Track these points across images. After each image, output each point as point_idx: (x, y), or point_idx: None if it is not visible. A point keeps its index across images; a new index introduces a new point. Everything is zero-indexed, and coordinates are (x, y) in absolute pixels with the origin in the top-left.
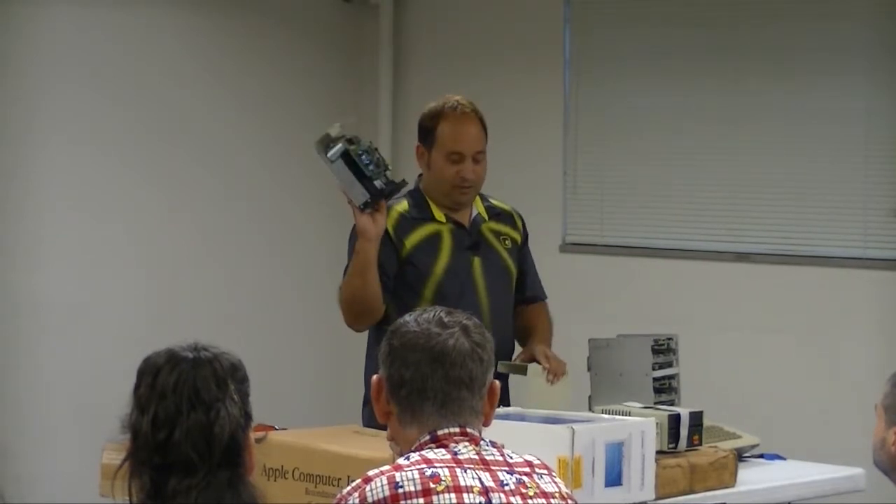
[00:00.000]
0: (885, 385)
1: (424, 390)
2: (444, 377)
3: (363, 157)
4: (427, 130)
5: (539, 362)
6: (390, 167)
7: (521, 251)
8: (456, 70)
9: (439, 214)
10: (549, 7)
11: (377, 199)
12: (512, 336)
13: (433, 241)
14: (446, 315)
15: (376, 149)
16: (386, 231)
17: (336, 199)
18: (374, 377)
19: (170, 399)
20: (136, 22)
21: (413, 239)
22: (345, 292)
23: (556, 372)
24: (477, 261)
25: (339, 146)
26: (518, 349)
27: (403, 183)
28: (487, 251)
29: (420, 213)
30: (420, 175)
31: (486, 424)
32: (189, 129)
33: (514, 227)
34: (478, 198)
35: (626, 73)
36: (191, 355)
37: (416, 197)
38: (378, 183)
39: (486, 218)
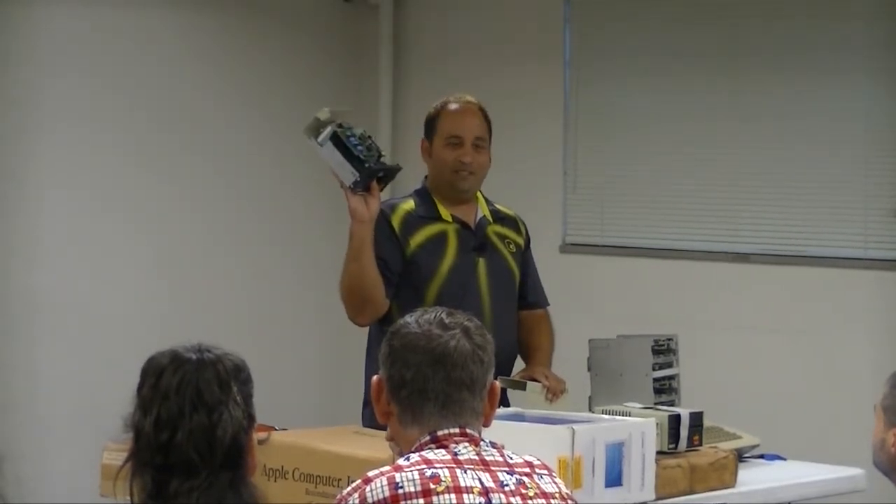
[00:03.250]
0: (885, 386)
1: (425, 391)
2: (445, 378)
3: (352, 138)
4: (430, 122)
5: (538, 381)
6: (385, 154)
7: (524, 256)
8: (456, 70)
9: (446, 214)
10: (549, 7)
11: (367, 178)
12: (514, 339)
13: (438, 241)
14: (447, 316)
15: (370, 136)
16: (392, 229)
17: (338, 200)
18: (375, 378)
19: (173, 400)
20: (136, 22)
21: (418, 238)
22: (343, 281)
23: (554, 391)
24: (482, 262)
25: (328, 129)
26: (518, 359)
27: (398, 167)
28: (492, 253)
29: (427, 211)
30: (426, 177)
31: (487, 425)
32: (189, 128)
33: (518, 231)
34: (483, 201)
35: (626, 72)
36: (194, 356)
37: (423, 196)
38: (368, 164)
39: (491, 221)
